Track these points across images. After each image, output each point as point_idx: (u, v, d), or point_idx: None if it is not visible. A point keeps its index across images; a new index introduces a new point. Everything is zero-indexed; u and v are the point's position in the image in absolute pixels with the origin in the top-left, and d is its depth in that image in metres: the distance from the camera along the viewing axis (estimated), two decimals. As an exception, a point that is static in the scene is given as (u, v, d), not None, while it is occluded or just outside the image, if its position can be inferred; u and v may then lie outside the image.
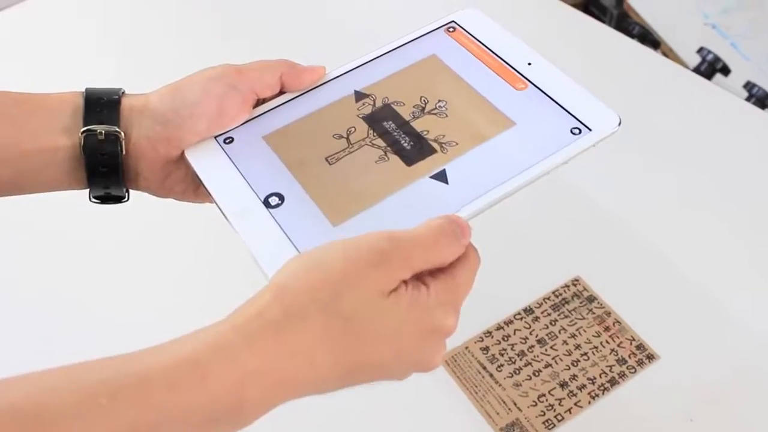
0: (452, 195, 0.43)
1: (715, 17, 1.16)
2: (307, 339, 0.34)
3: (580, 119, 0.45)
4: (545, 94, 0.47)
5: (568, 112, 0.46)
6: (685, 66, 1.00)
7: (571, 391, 0.60)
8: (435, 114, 0.47)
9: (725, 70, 1.01)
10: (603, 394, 0.60)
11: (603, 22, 1.00)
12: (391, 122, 0.47)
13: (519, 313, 0.66)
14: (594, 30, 0.96)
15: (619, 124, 0.45)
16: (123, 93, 0.47)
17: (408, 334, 0.37)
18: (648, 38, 1.06)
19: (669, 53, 1.07)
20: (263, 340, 0.34)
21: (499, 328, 0.65)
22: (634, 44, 0.95)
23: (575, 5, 1.03)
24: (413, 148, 0.45)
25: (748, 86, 1.00)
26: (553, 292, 0.67)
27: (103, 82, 0.48)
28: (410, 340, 0.37)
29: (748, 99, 0.97)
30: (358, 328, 0.36)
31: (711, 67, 1.01)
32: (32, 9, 1.02)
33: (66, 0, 1.03)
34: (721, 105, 0.85)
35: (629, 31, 1.05)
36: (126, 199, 0.48)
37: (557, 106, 0.46)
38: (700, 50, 1.02)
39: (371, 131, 0.47)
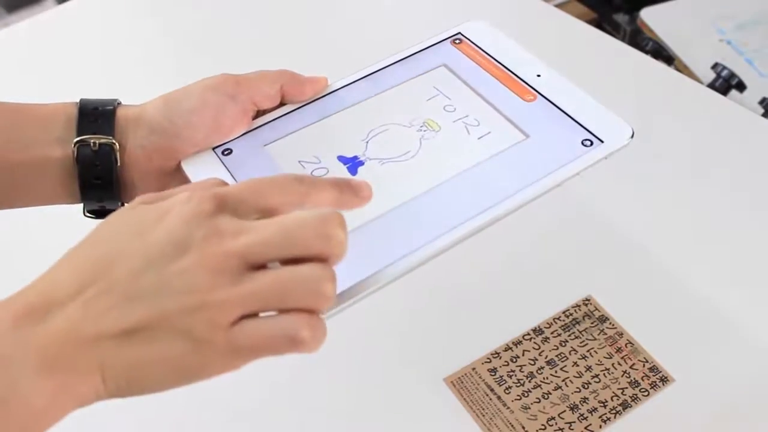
0: (462, 206, 0.42)
1: (730, 33, 1.14)
2: None
3: (591, 131, 0.44)
4: (555, 105, 0.46)
5: (579, 124, 0.45)
6: (700, 82, 0.98)
7: (582, 415, 0.58)
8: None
9: (741, 86, 0.99)
10: (615, 417, 0.58)
11: (616, 38, 0.99)
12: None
13: (528, 334, 0.64)
14: (608, 45, 0.95)
15: (632, 135, 0.44)
16: (119, 103, 0.46)
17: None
18: (662, 54, 1.04)
19: (683, 69, 1.06)
20: None
21: (507, 348, 0.63)
22: (647, 60, 0.93)
23: (588, 22, 1.02)
24: (422, 161, 0.44)
25: (764, 102, 0.98)
26: (564, 312, 0.65)
27: (101, 95, 0.47)
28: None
29: (764, 115, 0.95)
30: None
31: (726, 83, 0.99)
32: (36, 25, 1.02)
33: (68, 15, 1.03)
34: (737, 121, 0.84)
35: (643, 47, 1.04)
36: None
37: (568, 117, 0.45)
38: (715, 66, 1.00)
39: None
